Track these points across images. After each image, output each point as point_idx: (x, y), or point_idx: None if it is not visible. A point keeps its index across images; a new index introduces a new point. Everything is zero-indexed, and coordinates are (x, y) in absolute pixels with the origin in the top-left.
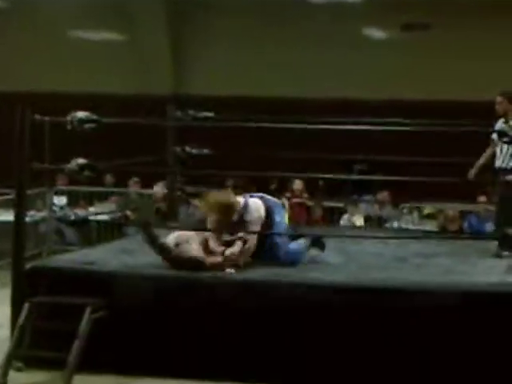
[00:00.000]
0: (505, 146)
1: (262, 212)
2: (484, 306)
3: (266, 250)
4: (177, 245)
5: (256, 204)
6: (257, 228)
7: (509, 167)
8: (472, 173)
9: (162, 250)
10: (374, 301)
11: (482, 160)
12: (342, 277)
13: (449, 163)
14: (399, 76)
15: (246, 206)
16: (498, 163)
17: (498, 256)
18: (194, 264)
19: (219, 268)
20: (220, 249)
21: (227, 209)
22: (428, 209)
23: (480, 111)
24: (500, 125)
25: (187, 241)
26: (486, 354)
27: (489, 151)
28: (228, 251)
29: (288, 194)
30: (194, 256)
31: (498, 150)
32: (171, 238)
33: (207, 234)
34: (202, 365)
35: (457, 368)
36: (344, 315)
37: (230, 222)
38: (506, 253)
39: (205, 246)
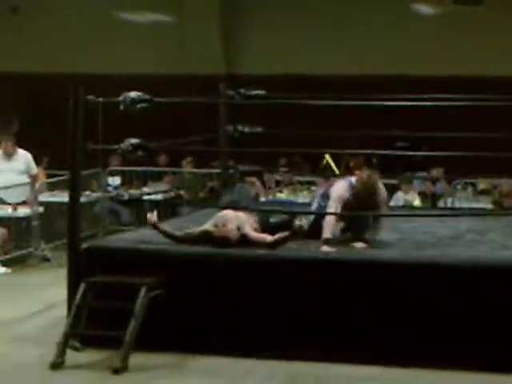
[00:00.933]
0: None
1: None
2: None
3: None
4: (215, 225)
5: None
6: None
7: None
8: None
9: (178, 239)
10: (428, 277)
11: None
12: (397, 253)
13: (501, 138)
14: (450, 51)
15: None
16: None
17: None
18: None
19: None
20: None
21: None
22: (482, 184)
23: None
24: None
25: (224, 223)
26: None
27: None
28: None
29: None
30: (227, 236)
31: None
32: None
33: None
34: (258, 342)
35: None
36: (398, 291)
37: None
38: None
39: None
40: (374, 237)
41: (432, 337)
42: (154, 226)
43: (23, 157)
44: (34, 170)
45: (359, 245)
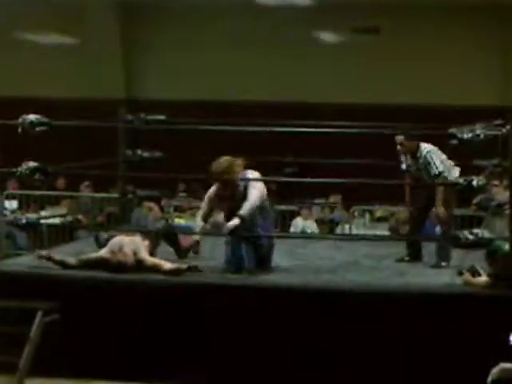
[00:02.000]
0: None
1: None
2: (436, 306)
3: None
4: (112, 251)
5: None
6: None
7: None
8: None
9: (72, 267)
10: (325, 303)
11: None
12: (295, 280)
13: (398, 165)
14: (348, 80)
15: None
16: None
17: (437, 266)
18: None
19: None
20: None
21: (230, 167)
22: (380, 211)
23: (428, 115)
24: (409, 161)
25: (120, 248)
26: (439, 354)
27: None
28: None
29: None
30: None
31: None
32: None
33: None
34: (148, 368)
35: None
36: (296, 318)
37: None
38: (444, 263)
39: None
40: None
41: (326, 364)
42: (47, 259)
43: None
44: None
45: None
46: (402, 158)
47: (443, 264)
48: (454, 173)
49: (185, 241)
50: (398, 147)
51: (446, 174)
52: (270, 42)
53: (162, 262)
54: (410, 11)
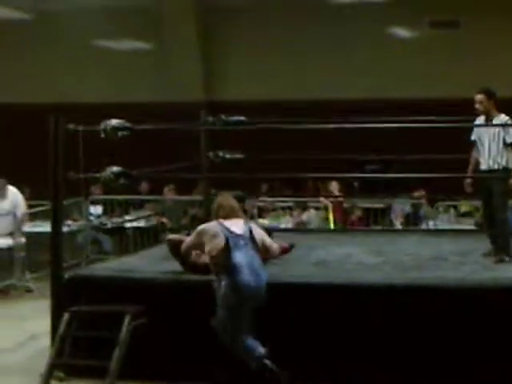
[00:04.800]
0: (493, 147)
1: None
2: None
3: None
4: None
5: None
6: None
7: (499, 167)
8: (468, 182)
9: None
10: (413, 300)
11: (472, 165)
12: (379, 277)
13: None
14: (427, 74)
15: None
16: (485, 166)
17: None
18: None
19: None
20: None
21: None
22: (464, 206)
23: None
24: (480, 130)
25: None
26: None
27: (475, 155)
28: None
29: (323, 197)
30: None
31: (484, 150)
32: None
33: None
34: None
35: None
36: (382, 315)
37: None
38: (507, 258)
39: None
40: None
41: (423, 361)
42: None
43: (12, 195)
44: (22, 210)
45: None
46: (477, 120)
47: (506, 259)
48: None
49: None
50: (477, 105)
51: None
52: (343, 40)
53: None
54: (488, 5)
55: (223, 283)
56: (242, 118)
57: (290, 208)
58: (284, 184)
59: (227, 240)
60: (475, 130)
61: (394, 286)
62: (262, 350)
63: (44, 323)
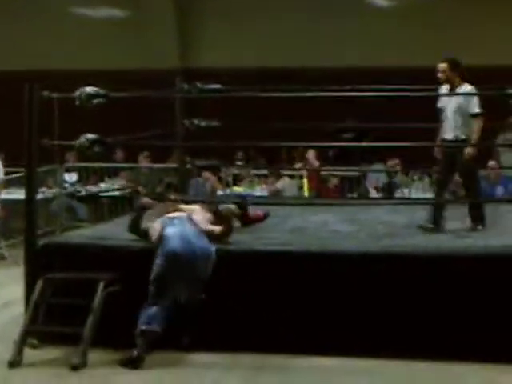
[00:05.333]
0: (457, 118)
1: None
2: (497, 268)
3: None
4: None
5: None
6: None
7: (460, 139)
8: (438, 150)
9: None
10: (386, 268)
11: (440, 133)
12: (354, 245)
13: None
14: (404, 43)
15: None
16: (450, 135)
17: (473, 230)
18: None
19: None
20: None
21: None
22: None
23: (487, 76)
24: (443, 98)
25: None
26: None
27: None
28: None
29: (300, 165)
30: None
31: (448, 121)
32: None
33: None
34: (218, 335)
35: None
36: (357, 282)
37: None
38: (479, 227)
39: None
40: None
41: (396, 328)
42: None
43: None
44: (0, 175)
45: None
46: (442, 89)
47: (479, 228)
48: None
49: (255, 213)
50: (439, 74)
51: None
52: (321, 7)
53: (214, 227)
54: None
55: (157, 254)
56: (218, 85)
57: (264, 176)
58: (259, 152)
59: (162, 222)
60: (440, 98)
61: (368, 253)
62: (152, 327)
63: (18, 290)
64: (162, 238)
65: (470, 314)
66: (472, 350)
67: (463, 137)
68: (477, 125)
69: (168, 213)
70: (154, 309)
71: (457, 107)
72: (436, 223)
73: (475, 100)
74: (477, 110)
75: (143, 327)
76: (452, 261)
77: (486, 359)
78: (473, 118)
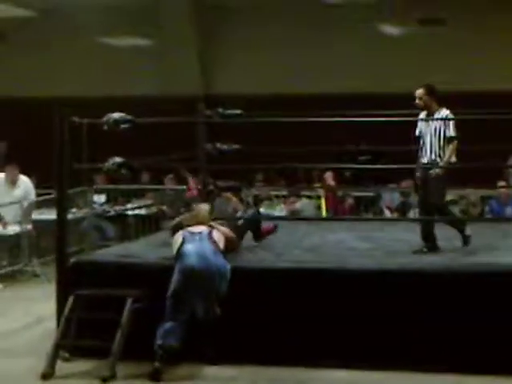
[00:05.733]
0: (435, 142)
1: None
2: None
3: None
4: None
5: None
6: None
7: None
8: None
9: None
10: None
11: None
12: (370, 262)
13: (465, 151)
14: (416, 70)
15: None
16: (426, 159)
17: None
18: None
19: None
20: None
21: None
22: (450, 195)
23: (498, 101)
24: (422, 123)
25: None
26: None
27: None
28: None
29: (318, 185)
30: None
31: (425, 145)
32: None
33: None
34: (242, 351)
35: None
36: (373, 298)
37: None
38: (425, 249)
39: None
40: None
41: (409, 341)
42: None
43: (24, 184)
44: (32, 197)
45: None
46: (420, 115)
47: (424, 250)
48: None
49: (265, 227)
50: (417, 100)
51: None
52: (337, 37)
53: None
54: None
55: (175, 270)
56: (238, 111)
57: (284, 197)
58: (278, 174)
59: (183, 237)
60: (418, 124)
61: (385, 270)
62: (169, 342)
63: (50, 306)
64: (180, 254)
65: (484, 329)
66: (484, 364)
67: (439, 160)
68: (451, 148)
69: (190, 226)
70: (170, 324)
71: (434, 132)
72: (430, 244)
73: (451, 125)
74: (453, 134)
75: (160, 342)
76: (468, 277)
77: (497, 372)
78: (448, 141)
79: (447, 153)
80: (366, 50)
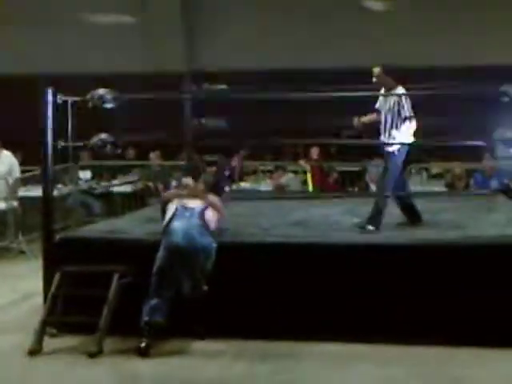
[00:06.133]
0: (388, 119)
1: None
2: (487, 257)
3: None
4: None
5: None
6: None
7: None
8: (356, 120)
9: None
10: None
11: (366, 118)
12: (355, 236)
13: (450, 125)
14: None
15: None
16: (382, 136)
17: (361, 227)
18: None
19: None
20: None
21: None
22: (436, 169)
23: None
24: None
25: None
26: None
27: (372, 117)
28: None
29: (304, 161)
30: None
31: (382, 122)
32: None
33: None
34: (226, 325)
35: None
36: (357, 272)
37: None
38: (370, 227)
39: None
40: None
41: (398, 314)
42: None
43: (7, 158)
44: (17, 173)
45: None
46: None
47: (369, 228)
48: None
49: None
50: (374, 79)
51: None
52: (322, 11)
53: None
54: None
55: (160, 246)
56: (223, 86)
57: (270, 171)
58: (264, 149)
59: (176, 209)
60: (379, 100)
61: (371, 244)
62: (155, 317)
63: (37, 283)
64: (167, 230)
65: (472, 301)
66: (477, 337)
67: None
68: (405, 127)
69: (184, 197)
70: (156, 300)
71: (389, 110)
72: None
73: (406, 104)
74: (407, 113)
75: (146, 318)
76: (453, 250)
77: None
78: (404, 120)
79: (399, 132)
80: (357, 24)
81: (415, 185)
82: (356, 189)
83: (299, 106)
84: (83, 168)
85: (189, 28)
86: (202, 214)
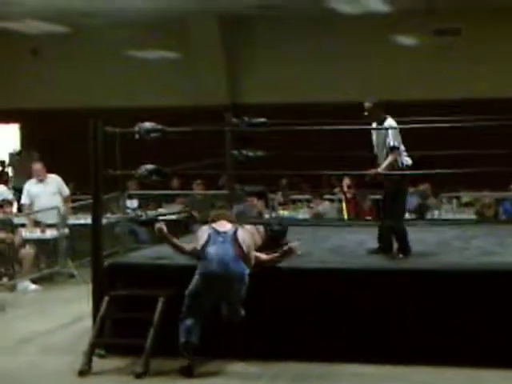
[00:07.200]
0: (379, 152)
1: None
2: None
3: None
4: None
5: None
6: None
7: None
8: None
9: (187, 253)
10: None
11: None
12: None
13: (480, 154)
14: (434, 78)
15: None
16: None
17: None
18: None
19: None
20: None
21: None
22: (466, 197)
23: (504, 107)
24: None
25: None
26: None
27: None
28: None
29: (338, 190)
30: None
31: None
32: None
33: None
34: (267, 347)
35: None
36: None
37: None
38: (401, 255)
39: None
40: None
41: (427, 336)
42: (164, 237)
43: (54, 180)
44: (66, 191)
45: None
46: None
47: (400, 256)
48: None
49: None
50: (366, 113)
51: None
52: (356, 49)
53: (260, 255)
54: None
55: (196, 271)
56: (263, 119)
57: (307, 200)
58: (302, 179)
59: (209, 235)
60: (372, 134)
61: (402, 270)
62: (191, 339)
63: (86, 306)
64: (203, 253)
65: (499, 323)
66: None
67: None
68: (391, 157)
69: (216, 221)
70: (190, 321)
71: (378, 143)
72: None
73: (391, 135)
74: (391, 143)
75: (183, 340)
76: (487, 276)
77: None
78: (390, 151)
79: (385, 162)
80: (385, 60)
81: (447, 212)
82: None
83: (337, 137)
84: (130, 197)
85: (230, 63)
86: (235, 235)
